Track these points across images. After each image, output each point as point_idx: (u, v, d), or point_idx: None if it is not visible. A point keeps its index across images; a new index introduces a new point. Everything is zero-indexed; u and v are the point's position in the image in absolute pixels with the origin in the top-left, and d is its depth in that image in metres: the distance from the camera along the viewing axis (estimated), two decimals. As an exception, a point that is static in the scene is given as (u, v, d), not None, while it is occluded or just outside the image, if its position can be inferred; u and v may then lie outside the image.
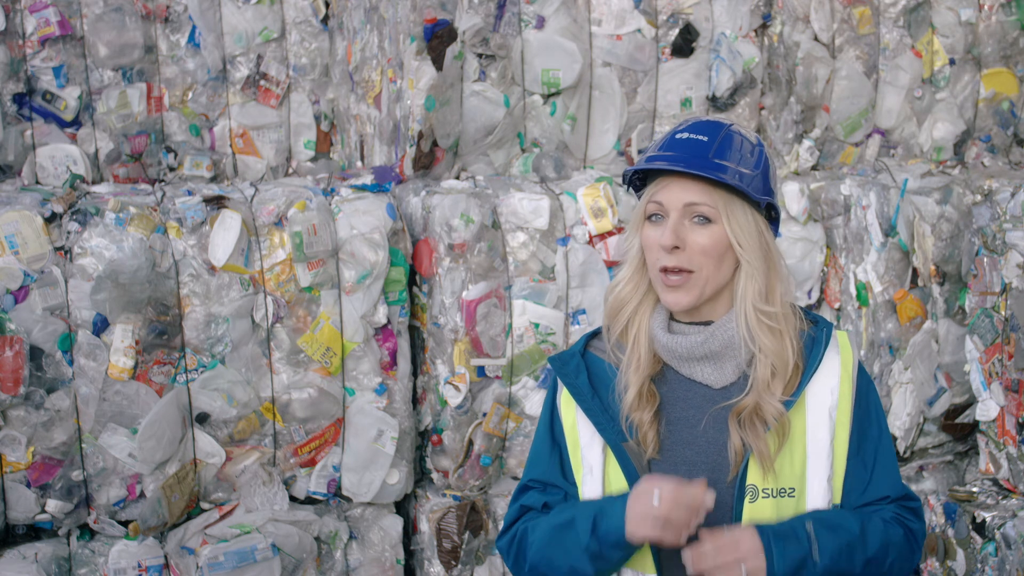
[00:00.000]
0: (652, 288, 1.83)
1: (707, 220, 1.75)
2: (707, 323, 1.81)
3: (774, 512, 1.75)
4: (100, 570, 3.07)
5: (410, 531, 3.44)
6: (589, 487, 1.83)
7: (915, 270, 3.53)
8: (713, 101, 3.67)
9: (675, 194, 1.75)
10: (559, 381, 1.89)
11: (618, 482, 1.79)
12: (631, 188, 1.88)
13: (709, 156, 1.74)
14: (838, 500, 1.81)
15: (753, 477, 1.74)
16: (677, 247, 1.74)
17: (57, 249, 2.95)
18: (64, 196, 3.04)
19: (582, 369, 1.85)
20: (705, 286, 1.77)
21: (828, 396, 1.78)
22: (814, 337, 1.81)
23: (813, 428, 1.78)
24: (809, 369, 1.78)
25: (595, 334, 1.92)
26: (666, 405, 1.80)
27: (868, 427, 1.82)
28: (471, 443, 3.31)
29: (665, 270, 1.76)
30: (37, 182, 3.87)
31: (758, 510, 1.74)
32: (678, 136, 1.79)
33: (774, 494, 1.75)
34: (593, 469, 1.82)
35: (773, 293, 1.79)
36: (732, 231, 1.75)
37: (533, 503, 1.89)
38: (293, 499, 3.28)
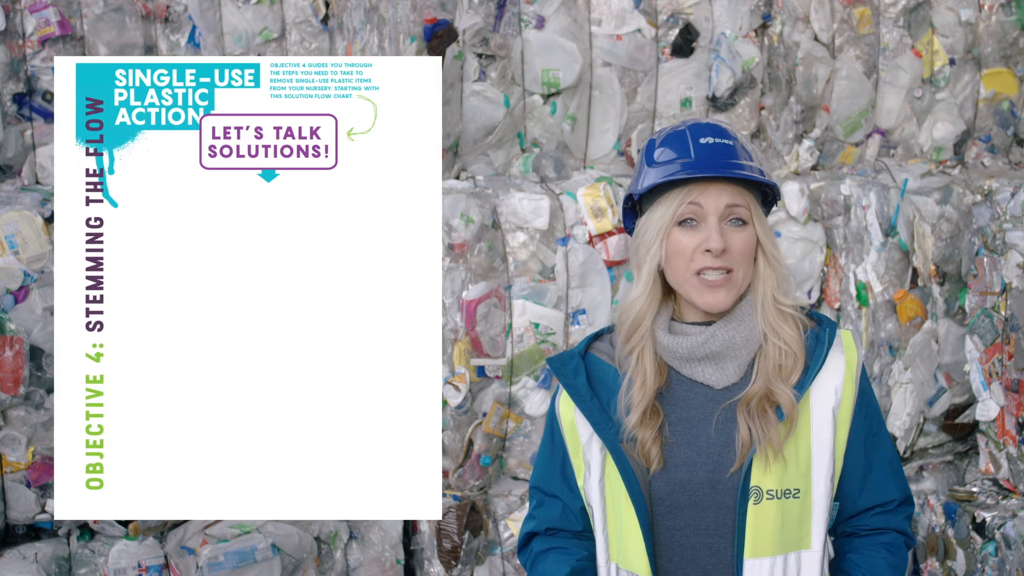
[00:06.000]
0: (665, 299, 1.82)
1: (742, 222, 1.76)
2: (709, 323, 1.79)
3: (779, 514, 1.72)
4: (100, 570, 3.07)
5: (410, 531, 3.44)
6: (591, 486, 1.82)
7: (915, 270, 3.53)
8: (713, 101, 3.67)
9: (713, 197, 1.75)
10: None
11: (617, 484, 1.77)
12: (636, 199, 1.85)
13: (740, 159, 1.77)
14: (838, 500, 1.81)
15: (757, 478, 1.72)
16: (725, 250, 1.74)
17: (57, 249, 2.95)
18: (64, 196, 3.04)
19: (581, 370, 1.83)
20: (740, 287, 1.78)
21: (832, 396, 1.77)
22: (818, 336, 1.79)
23: (817, 428, 1.76)
24: (813, 367, 1.76)
25: (597, 336, 1.90)
26: (666, 406, 1.78)
27: (870, 428, 1.81)
28: (471, 443, 3.31)
29: (702, 271, 1.75)
30: (37, 182, 3.86)
31: (763, 512, 1.72)
32: (703, 141, 1.78)
33: (779, 495, 1.72)
34: (592, 468, 1.81)
35: (787, 286, 1.81)
36: (761, 230, 1.78)
37: (535, 527, 1.90)
38: (293, 499, 3.27)
